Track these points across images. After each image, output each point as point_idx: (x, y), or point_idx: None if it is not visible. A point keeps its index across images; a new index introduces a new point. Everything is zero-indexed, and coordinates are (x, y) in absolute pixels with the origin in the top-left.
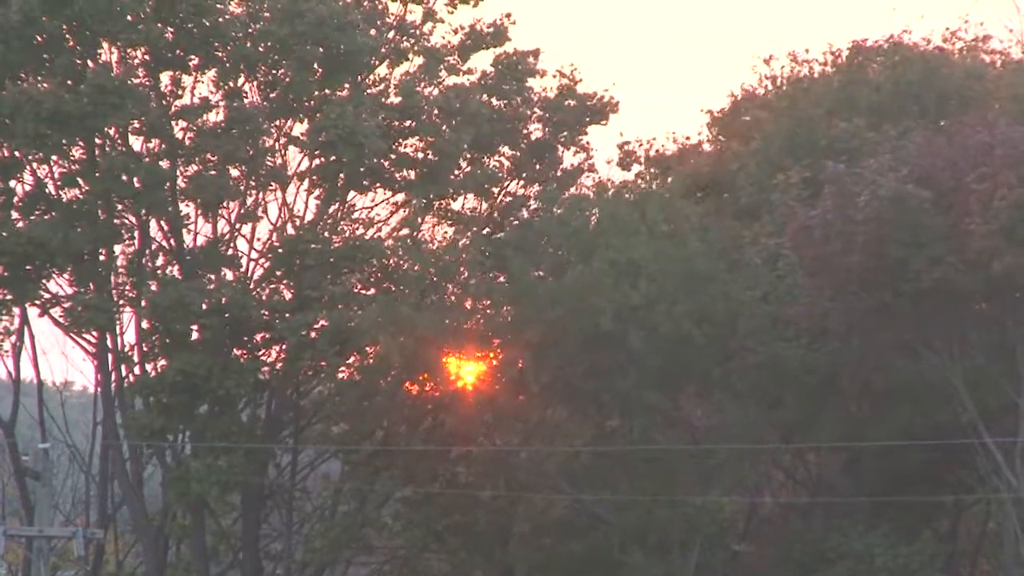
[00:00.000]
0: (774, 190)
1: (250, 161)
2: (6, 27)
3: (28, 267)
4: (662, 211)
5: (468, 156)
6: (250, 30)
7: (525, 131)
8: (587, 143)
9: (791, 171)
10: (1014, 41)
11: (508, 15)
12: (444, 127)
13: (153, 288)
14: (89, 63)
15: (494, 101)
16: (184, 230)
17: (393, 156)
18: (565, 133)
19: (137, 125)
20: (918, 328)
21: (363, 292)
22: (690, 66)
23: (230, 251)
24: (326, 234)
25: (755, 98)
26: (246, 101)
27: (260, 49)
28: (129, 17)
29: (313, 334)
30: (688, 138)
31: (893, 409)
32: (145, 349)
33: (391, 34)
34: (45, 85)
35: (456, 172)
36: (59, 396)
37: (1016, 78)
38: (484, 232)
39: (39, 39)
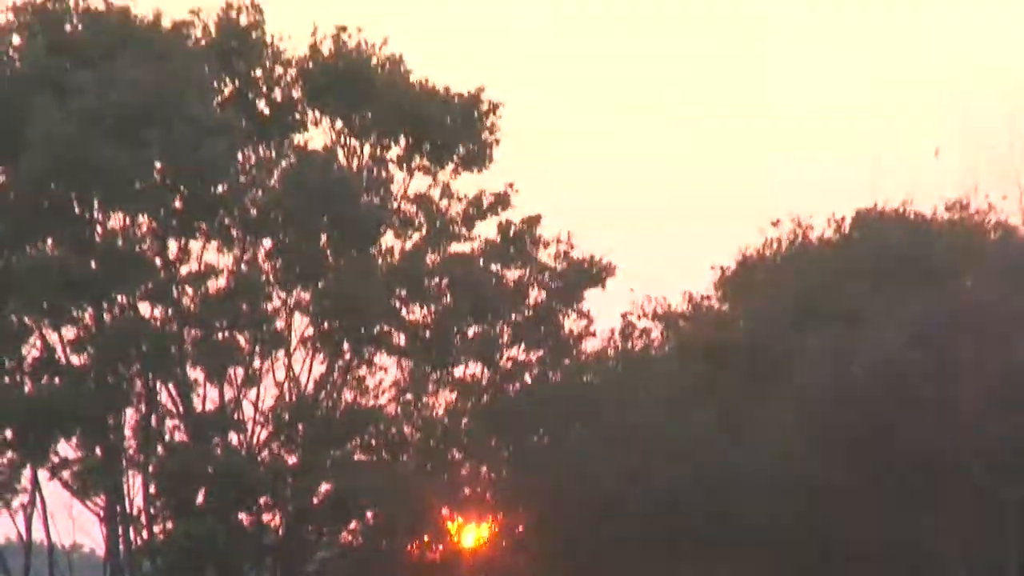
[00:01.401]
0: (781, 354)
1: (255, 326)
2: (16, 194)
3: (37, 431)
4: (664, 376)
5: (470, 323)
6: (256, 199)
7: (526, 297)
8: (587, 310)
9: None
10: (1010, 211)
11: (511, 184)
12: (446, 296)
13: (160, 452)
14: (97, 229)
15: (496, 267)
16: (191, 396)
17: (396, 323)
18: (564, 300)
19: (144, 291)
20: (912, 492)
21: (364, 459)
22: (699, 226)
23: (236, 415)
24: (328, 403)
25: (763, 260)
26: (250, 266)
27: (267, 217)
28: (137, 185)
29: (316, 499)
30: (699, 296)
31: (889, 571)
32: (152, 512)
33: (397, 204)
34: (53, 252)
35: (457, 338)
36: (67, 559)
37: (1011, 247)
38: (485, 397)
39: (47, 205)
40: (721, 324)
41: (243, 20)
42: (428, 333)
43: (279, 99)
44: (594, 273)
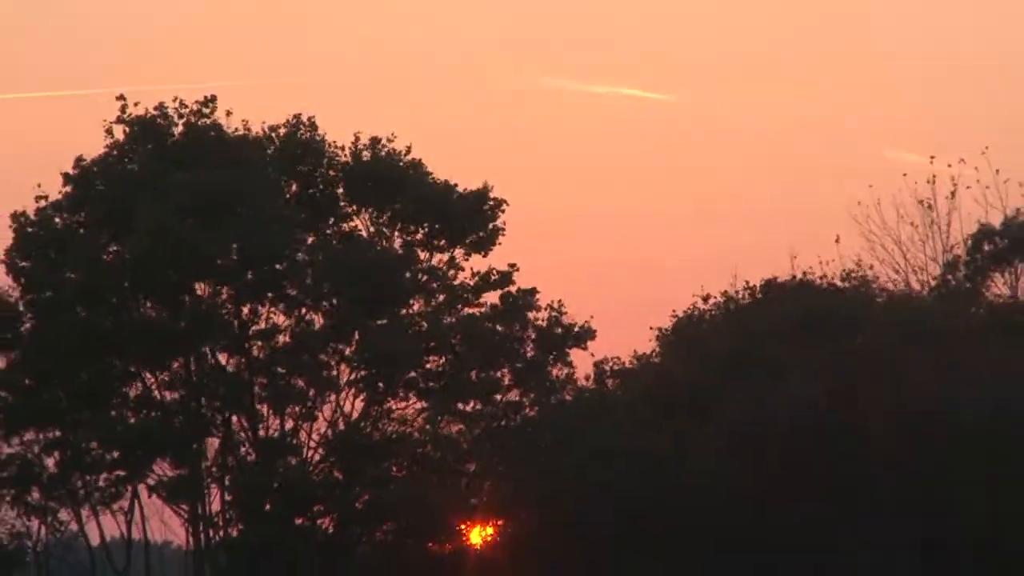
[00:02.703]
0: (713, 397)
1: (310, 373)
2: (125, 268)
3: (137, 453)
4: (623, 413)
5: (477, 370)
6: (312, 273)
7: (523, 351)
8: (572, 361)
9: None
10: (898, 280)
11: (513, 264)
12: (459, 348)
13: (234, 470)
14: (187, 296)
15: (499, 327)
16: (259, 426)
17: (420, 370)
18: (554, 354)
19: (223, 345)
20: (821, 503)
21: (397, 474)
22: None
23: (294, 442)
24: (368, 431)
25: (696, 320)
26: (306, 325)
27: (320, 287)
28: (219, 262)
29: (357, 506)
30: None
31: (801, 564)
32: (227, 517)
33: (422, 277)
34: (153, 313)
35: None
36: (159, 553)
37: (899, 309)
38: (490, 427)
39: (149, 277)
40: (660, 375)
41: (303, 133)
42: (444, 378)
43: (330, 194)
44: (576, 334)
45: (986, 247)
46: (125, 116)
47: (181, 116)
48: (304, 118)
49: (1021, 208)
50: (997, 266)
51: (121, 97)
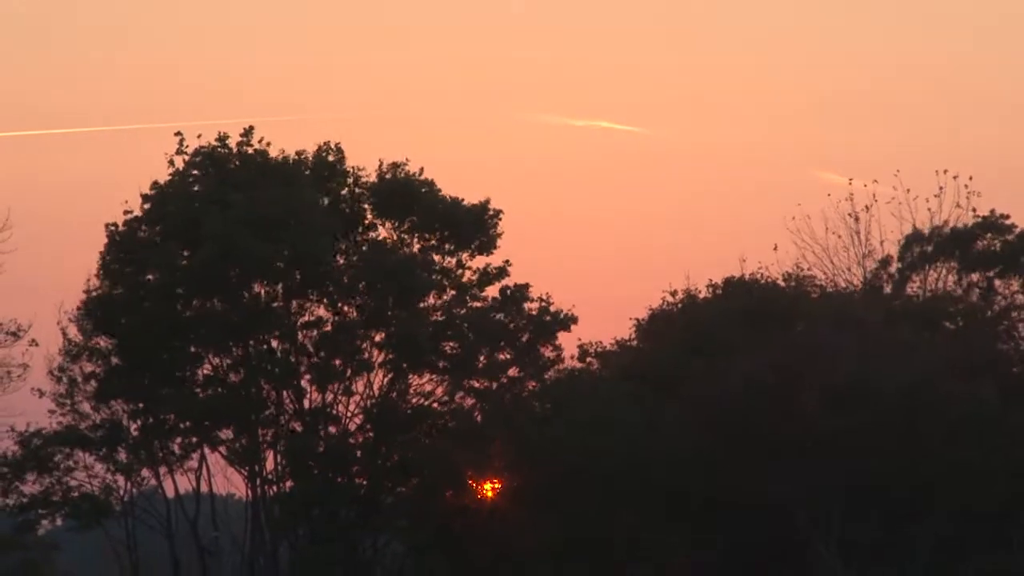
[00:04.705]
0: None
1: (347, 356)
2: (195, 270)
3: (206, 423)
4: (603, 388)
5: (483, 353)
6: (347, 274)
7: (520, 336)
8: (560, 343)
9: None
10: (827, 280)
11: (507, 261)
12: (469, 335)
13: (284, 437)
14: (245, 293)
15: (500, 316)
16: (305, 400)
17: (437, 353)
18: (544, 338)
19: (276, 333)
20: (769, 462)
21: (421, 440)
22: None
23: (334, 412)
24: (396, 403)
25: (665, 312)
26: (343, 317)
27: (354, 286)
28: (272, 264)
29: (388, 466)
30: (622, 338)
31: (752, 516)
32: (279, 474)
33: (436, 276)
34: (217, 307)
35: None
36: (223, 504)
37: (829, 302)
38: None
39: (215, 277)
40: (635, 357)
41: (331, 157)
42: (457, 359)
43: (358, 208)
44: (562, 320)
45: (915, 250)
46: (183, 147)
47: (239, 146)
48: (332, 144)
49: (947, 219)
50: (922, 266)
51: (179, 133)
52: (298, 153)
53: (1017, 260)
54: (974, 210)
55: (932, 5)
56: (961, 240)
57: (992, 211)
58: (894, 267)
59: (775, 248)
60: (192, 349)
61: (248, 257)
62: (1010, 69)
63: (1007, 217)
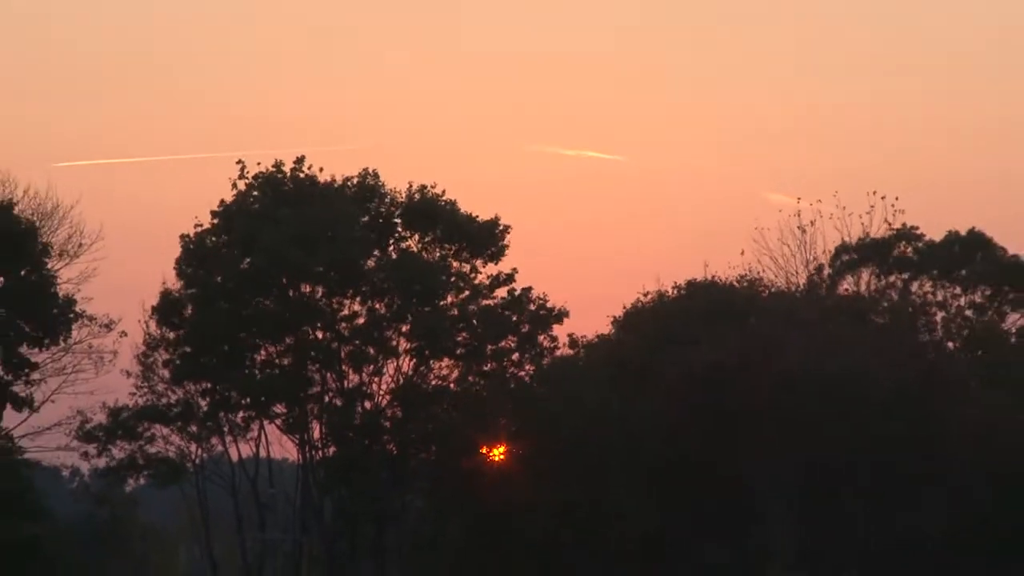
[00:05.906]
0: (652, 362)
1: (378, 344)
2: (251, 275)
3: (263, 400)
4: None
5: (492, 342)
6: (379, 276)
7: (522, 328)
8: (555, 333)
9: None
10: (777, 282)
11: (515, 268)
12: (479, 328)
13: (327, 411)
14: (292, 292)
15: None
16: (344, 380)
17: (453, 342)
18: (541, 328)
19: (319, 325)
20: (731, 435)
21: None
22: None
23: (368, 391)
24: (419, 383)
25: (639, 311)
26: (374, 312)
27: (385, 286)
28: (315, 270)
29: (413, 436)
30: (603, 333)
31: (719, 483)
32: (324, 442)
33: (453, 279)
34: (270, 304)
35: (486, 351)
36: (278, 467)
37: (777, 301)
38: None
39: (267, 281)
40: (615, 347)
41: (370, 180)
42: (470, 348)
43: (390, 223)
44: (556, 315)
45: (844, 258)
46: (244, 173)
47: (292, 171)
48: (371, 170)
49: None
50: (849, 271)
51: (240, 161)
52: (345, 179)
53: (926, 265)
54: (889, 224)
55: (865, 49)
56: (880, 249)
57: (904, 224)
58: (826, 272)
59: (742, 253)
60: (251, 339)
61: (294, 265)
62: (934, 101)
63: (917, 228)
